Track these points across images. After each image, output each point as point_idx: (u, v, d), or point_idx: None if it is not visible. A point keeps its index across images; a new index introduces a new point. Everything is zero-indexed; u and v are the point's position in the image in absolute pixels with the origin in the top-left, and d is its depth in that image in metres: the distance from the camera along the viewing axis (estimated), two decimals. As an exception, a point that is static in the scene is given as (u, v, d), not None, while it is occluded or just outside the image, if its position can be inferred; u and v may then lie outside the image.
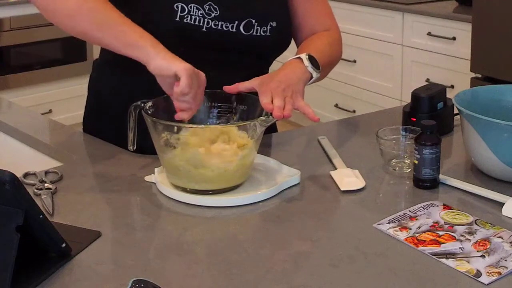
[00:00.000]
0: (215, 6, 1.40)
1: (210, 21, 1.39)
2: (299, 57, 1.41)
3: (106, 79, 1.54)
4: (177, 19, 1.38)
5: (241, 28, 1.42)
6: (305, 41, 1.55)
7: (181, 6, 1.38)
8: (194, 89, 1.23)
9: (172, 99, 1.27)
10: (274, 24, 1.45)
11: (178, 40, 1.38)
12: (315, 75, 1.40)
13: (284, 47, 1.51)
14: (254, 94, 1.35)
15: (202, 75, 1.26)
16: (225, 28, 1.41)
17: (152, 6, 1.39)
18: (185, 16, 1.38)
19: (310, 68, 1.39)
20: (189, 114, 1.27)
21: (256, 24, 1.43)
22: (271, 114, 1.26)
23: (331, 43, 1.54)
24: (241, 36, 1.42)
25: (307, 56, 1.40)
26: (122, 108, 1.36)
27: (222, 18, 1.40)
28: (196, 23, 1.39)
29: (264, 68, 1.52)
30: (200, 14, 1.39)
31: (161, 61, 1.24)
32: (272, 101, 1.29)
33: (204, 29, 1.39)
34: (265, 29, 1.44)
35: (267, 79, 1.36)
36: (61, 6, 1.31)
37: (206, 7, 1.39)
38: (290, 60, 1.42)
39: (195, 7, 1.38)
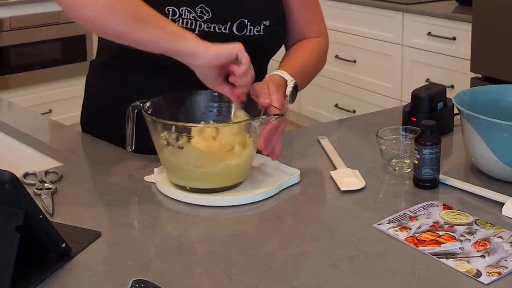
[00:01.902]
0: (207, 8, 1.39)
1: (202, 23, 1.38)
2: (284, 78, 1.39)
3: (103, 80, 1.54)
4: None
5: (234, 29, 1.41)
6: (294, 50, 1.52)
7: (172, 10, 1.37)
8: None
9: (235, 83, 1.26)
10: (267, 23, 1.44)
11: None
12: (288, 104, 1.38)
13: (278, 45, 1.50)
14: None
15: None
16: (218, 30, 1.40)
17: None
18: (177, 20, 1.37)
19: (288, 97, 1.37)
20: (245, 92, 1.28)
21: (249, 24, 1.42)
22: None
23: (318, 58, 1.53)
24: (235, 37, 1.41)
25: (292, 84, 1.38)
26: (118, 109, 1.36)
27: (214, 20, 1.39)
28: (188, 26, 1.38)
29: (260, 68, 1.51)
30: (192, 17, 1.38)
31: (216, 49, 1.24)
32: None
33: (196, 32, 1.38)
34: (259, 28, 1.43)
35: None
36: (99, 2, 1.25)
37: (198, 9, 1.38)
38: (275, 76, 1.39)
39: (186, 10, 1.37)
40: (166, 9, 1.36)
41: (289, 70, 1.41)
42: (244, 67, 1.23)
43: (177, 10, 1.37)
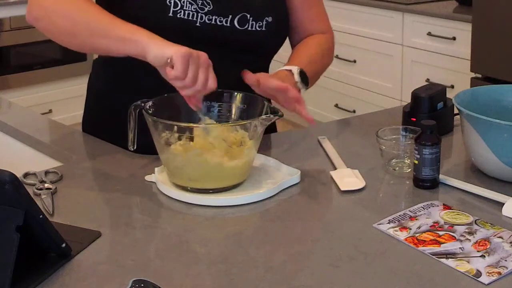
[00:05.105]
0: (208, 1, 1.39)
1: (203, 15, 1.39)
2: (290, 70, 1.41)
3: (106, 78, 1.54)
4: (170, 14, 1.38)
5: (235, 22, 1.42)
6: (300, 46, 1.54)
7: (174, 1, 1.38)
8: (192, 71, 1.20)
9: (177, 89, 1.25)
10: (269, 19, 1.45)
11: (172, 36, 1.38)
12: (303, 91, 1.41)
13: (280, 43, 1.51)
14: (252, 93, 1.35)
15: (203, 55, 1.23)
16: (219, 23, 1.40)
17: (145, 2, 1.39)
18: (178, 11, 1.38)
19: (299, 84, 1.40)
20: (197, 99, 1.26)
21: (251, 19, 1.42)
22: (271, 113, 1.26)
23: (323, 52, 1.55)
24: (236, 30, 1.42)
25: (298, 71, 1.40)
26: (121, 108, 1.37)
27: (215, 13, 1.40)
28: (190, 18, 1.38)
29: (263, 64, 1.51)
30: (193, 8, 1.38)
31: (155, 50, 1.22)
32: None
33: (198, 24, 1.39)
34: (261, 24, 1.44)
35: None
36: (55, 27, 1.34)
37: (199, 1, 1.39)
38: (281, 71, 1.42)
39: (188, 2, 1.38)
40: (168, 0, 1.37)
41: (295, 64, 1.43)
42: (175, 72, 1.19)
43: (178, 2, 1.37)
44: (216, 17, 1.40)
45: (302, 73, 1.41)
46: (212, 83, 1.24)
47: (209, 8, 1.39)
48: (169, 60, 1.20)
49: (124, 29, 1.27)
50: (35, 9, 1.36)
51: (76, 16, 1.31)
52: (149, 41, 1.23)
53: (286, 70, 1.42)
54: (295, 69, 1.41)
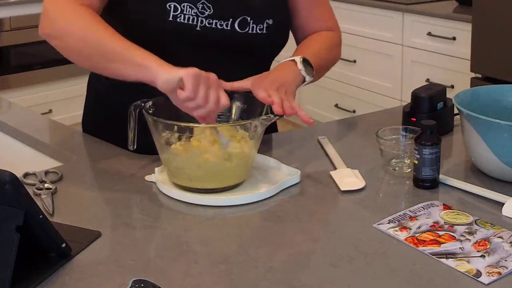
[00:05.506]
0: (208, 4, 1.39)
1: (204, 19, 1.39)
2: (293, 60, 1.41)
3: (106, 78, 1.54)
4: (170, 18, 1.37)
5: (236, 26, 1.41)
6: (305, 41, 1.54)
7: (174, 6, 1.37)
8: (203, 91, 1.20)
9: (190, 113, 1.24)
10: (270, 21, 1.44)
11: (172, 40, 1.38)
12: (308, 78, 1.41)
13: (281, 45, 1.50)
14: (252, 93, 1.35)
15: (212, 75, 1.23)
16: (219, 27, 1.40)
17: (144, 6, 1.39)
18: (178, 16, 1.37)
19: (303, 72, 1.39)
20: (211, 118, 1.25)
21: (251, 21, 1.42)
22: (272, 113, 1.26)
23: (330, 47, 1.54)
24: (237, 34, 1.42)
25: (301, 59, 1.40)
26: (121, 108, 1.37)
27: (216, 16, 1.40)
28: (190, 22, 1.38)
29: (263, 67, 1.51)
30: (194, 13, 1.38)
31: (166, 74, 1.21)
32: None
33: (198, 28, 1.39)
34: (261, 26, 1.43)
35: (260, 78, 1.36)
36: (67, 47, 1.35)
37: (200, 5, 1.39)
38: (284, 62, 1.42)
39: (188, 6, 1.38)
40: (167, 5, 1.37)
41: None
42: (186, 92, 1.19)
43: (178, 6, 1.37)
44: (217, 21, 1.40)
45: (305, 61, 1.40)
46: (224, 100, 1.23)
47: (209, 12, 1.39)
48: (180, 82, 1.20)
49: (135, 55, 1.25)
50: (47, 27, 1.35)
51: (88, 38, 1.29)
52: (158, 68, 1.22)
53: (289, 60, 1.41)
54: (297, 58, 1.40)
